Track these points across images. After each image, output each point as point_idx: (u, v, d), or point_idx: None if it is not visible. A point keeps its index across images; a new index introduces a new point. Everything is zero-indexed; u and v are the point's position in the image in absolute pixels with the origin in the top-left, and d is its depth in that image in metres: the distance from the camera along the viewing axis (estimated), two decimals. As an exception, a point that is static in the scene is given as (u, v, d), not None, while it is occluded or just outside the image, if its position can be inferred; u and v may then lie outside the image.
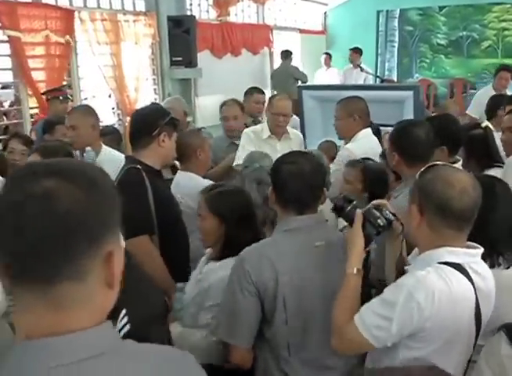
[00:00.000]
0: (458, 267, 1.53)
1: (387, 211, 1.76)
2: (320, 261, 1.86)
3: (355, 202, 1.79)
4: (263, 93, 4.73)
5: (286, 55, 8.80)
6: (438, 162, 1.69)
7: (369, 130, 3.48)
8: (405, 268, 1.66)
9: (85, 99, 6.12)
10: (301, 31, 10.34)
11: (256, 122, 4.40)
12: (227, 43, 7.89)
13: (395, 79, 10.56)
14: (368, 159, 2.86)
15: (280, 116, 3.71)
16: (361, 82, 8.77)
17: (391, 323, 1.48)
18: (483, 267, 1.61)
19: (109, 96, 6.36)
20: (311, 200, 1.90)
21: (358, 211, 1.74)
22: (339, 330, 1.59)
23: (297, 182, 1.86)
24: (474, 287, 1.53)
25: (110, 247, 0.84)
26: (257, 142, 3.74)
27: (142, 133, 2.48)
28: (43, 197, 0.78)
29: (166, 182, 2.81)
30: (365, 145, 3.35)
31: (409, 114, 4.09)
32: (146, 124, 2.48)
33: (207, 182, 2.90)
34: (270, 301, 1.82)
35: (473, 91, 9.78)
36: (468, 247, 1.60)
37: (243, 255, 1.85)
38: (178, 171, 3.26)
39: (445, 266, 1.53)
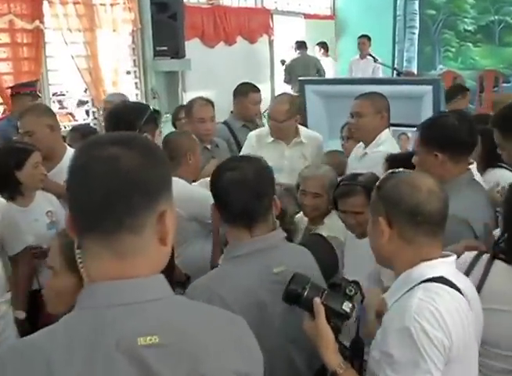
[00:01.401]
0: (443, 280, 1.58)
1: (351, 287, 1.70)
2: (280, 291, 1.77)
3: (309, 285, 1.69)
4: (259, 91, 4.68)
5: (302, 45, 9.09)
6: (396, 170, 1.76)
7: (388, 131, 3.54)
8: (382, 296, 1.68)
9: (54, 94, 6.17)
10: (306, 16, 10.41)
11: (250, 128, 4.39)
12: (220, 30, 7.95)
13: (415, 71, 10.64)
14: (356, 176, 2.78)
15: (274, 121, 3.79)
16: (368, 74, 8.83)
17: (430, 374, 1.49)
18: (461, 275, 1.69)
19: (85, 91, 6.41)
20: (260, 211, 1.85)
21: (317, 301, 1.66)
22: None
23: (241, 190, 1.83)
24: (463, 296, 1.60)
25: (163, 207, 1.10)
26: (258, 148, 3.77)
27: None
28: (108, 159, 1.05)
29: None
30: (395, 148, 3.44)
31: (427, 112, 4.13)
32: (122, 128, 2.49)
33: (201, 189, 2.94)
34: None
35: (506, 84, 9.85)
36: (443, 255, 1.66)
37: (191, 293, 1.78)
38: None
39: (430, 284, 1.57)
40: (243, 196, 1.83)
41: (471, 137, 2.55)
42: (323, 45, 10.03)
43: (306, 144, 3.88)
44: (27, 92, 4.73)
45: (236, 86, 4.67)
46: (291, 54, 9.35)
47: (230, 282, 1.79)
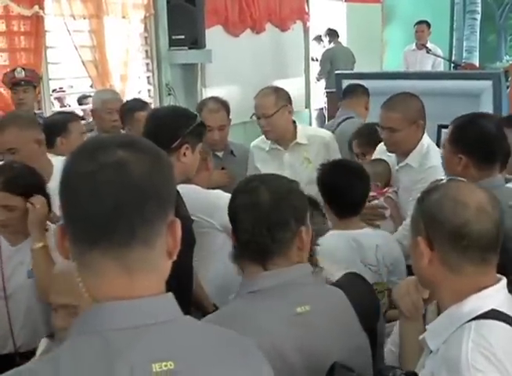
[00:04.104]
0: (494, 314, 1.56)
1: None
2: (305, 336, 1.75)
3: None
4: None
5: (336, 34, 9.28)
6: (441, 178, 1.78)
7: (426, 135, 3.58)
8: (421, 337, 1.67)
9: (54, 90, 6.28)
10: (348, -1, 10.46)
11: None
12: (246, 16, 7.95)
13: (477, 63, 10.58)
14: None
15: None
16: (428, 68, 8.83)
17: None
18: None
19: (91, 87, 6.52)
20: (273, 246, 1.80)
21: None
22: None
23: (250, 217, 1.81)
24: None
25: (172, 217, 1.17)
26: (257, 160, 3.88)
27: (158, 144, 2.60)
28: (117, 165, 1.10)
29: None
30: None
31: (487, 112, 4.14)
32: (164, 132, 2.57)
33: (221, 193, 3.03)
34: None
35: None
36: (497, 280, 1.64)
37: None
38: (179, 185, 3.36)
39: (482, 322, 1.55)
40: (251, 225, 1.80)
41: (495, 141, 2.72)
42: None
43: (308, 145, 3.91)
44: (18, 82, 4.79)
45: None
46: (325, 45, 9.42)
47: (244, 322, 1.72)
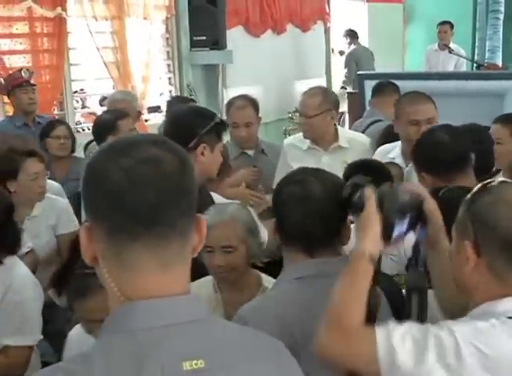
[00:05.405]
0: None
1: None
2: None
3: (366, 188, 1.78)
4: None
5: (355, 35, 9.26)
6: (491, 180, 1.67)
7: None
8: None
9: (75, 92, 6.33)
10: (370, -1, 10.44)
11: None
12: (267, 16, 7.97)
13: (500, 64, 10.49)
14: None
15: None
16: (451, 69, 8.80)
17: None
18: None
19: (113, 88, 6.56)
20: (323, 234, 1.87)
21: (368, 189, 1.75)
22: (346, 328, 1.57)
23: (302, 208, 1.86)
24: None
25: (198, 215, 1.20)
26: (293, 158, 3.81)
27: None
28: (154, 160, 1.13)
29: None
30: None
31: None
32: (180, 132, 2.58)
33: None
34: None
35: None
36: None
37: (246, 317, 1.81)
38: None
39: None
40: (303, 216, 1.86)
41: (449, 151, 2.68)
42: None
43: (348, 149, 3.87)
44: (20, 83, 4.85)
45: None
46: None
47: (292, 304, 1.81)
